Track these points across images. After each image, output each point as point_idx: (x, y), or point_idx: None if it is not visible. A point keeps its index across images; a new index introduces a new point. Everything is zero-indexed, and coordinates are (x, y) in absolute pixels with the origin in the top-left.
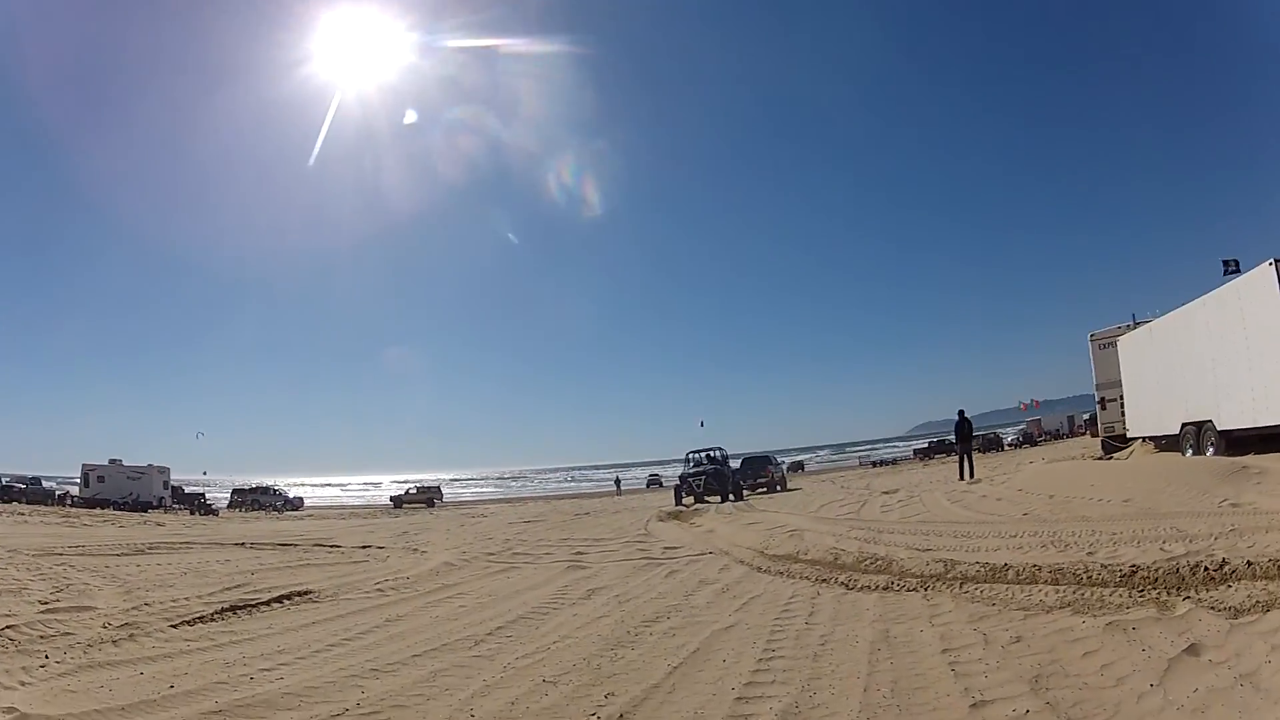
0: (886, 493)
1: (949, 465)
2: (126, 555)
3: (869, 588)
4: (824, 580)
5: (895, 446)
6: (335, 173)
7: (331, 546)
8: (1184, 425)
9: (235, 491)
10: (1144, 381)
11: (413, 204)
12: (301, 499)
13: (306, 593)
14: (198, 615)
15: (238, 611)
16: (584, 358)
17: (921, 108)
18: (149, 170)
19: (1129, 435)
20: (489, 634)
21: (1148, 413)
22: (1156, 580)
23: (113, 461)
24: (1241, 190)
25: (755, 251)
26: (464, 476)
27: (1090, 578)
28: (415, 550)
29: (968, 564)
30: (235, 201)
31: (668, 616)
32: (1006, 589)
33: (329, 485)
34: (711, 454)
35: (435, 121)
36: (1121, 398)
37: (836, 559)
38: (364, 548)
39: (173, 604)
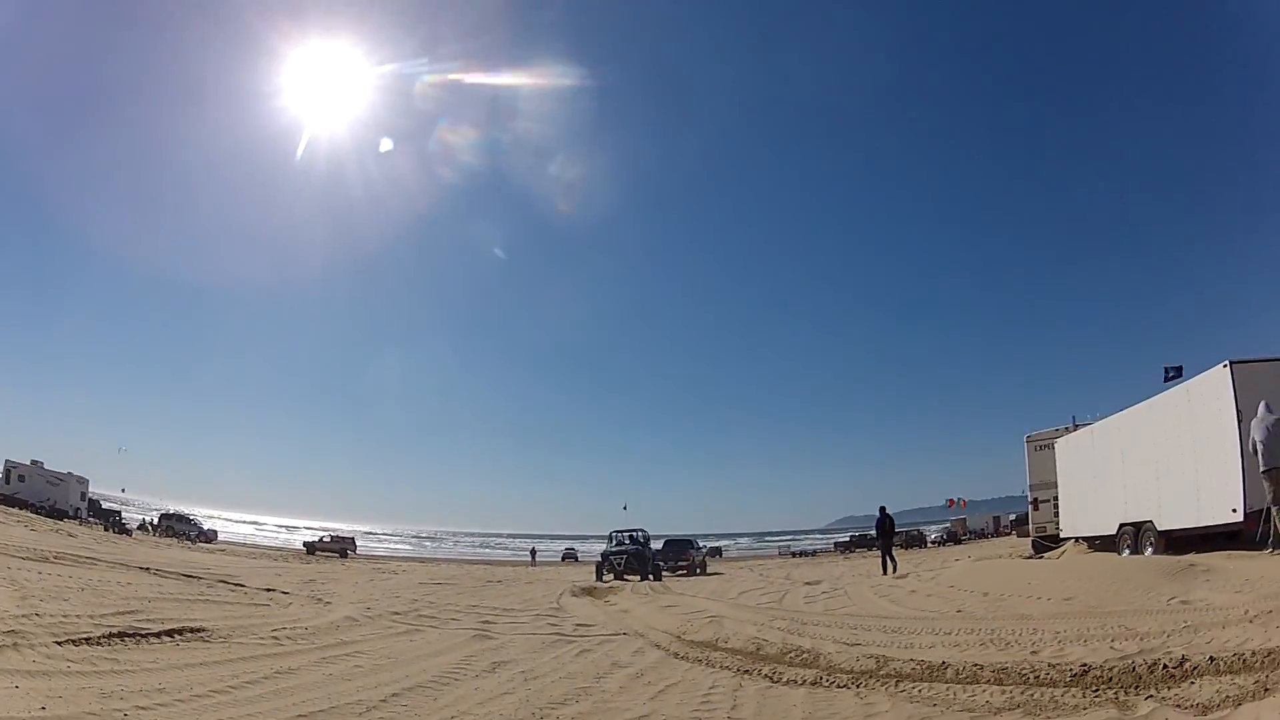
0: (809, 583)
1: (871, 559)
2: (30, 560)
3: (795, 681)
4: (746, 671)
5: (816, 538)
6: (300, 205)
7: (235, 584)
8: (1122, 525)
9: (163, 516)
10: (1080, 482)
11: (370, 237)
12: (215, 532)
13: (200, 630)
14: (85, 635)
15: (126, 639)
16: (509, 426)
17: (865, 196)
18: (113, 183)
19: (1062, 535)
20: (382, 700)
21: (1083, 513)
22: (1111, 679)
23: (34, 463)
24: (1181, 305)
25: (691, 330)
26: (380, 530)
27: (1038, 677)
28: (319, 600)
29: (901, 660)
30: (193, 221)
31: (576, 700)
32: (947, 688)
33: (245, 522)
34: (634, 535)
35: (408, 153)
36: (1055, 499)
37: (759, 649)
38: (268, 590)
39: (64, 619)
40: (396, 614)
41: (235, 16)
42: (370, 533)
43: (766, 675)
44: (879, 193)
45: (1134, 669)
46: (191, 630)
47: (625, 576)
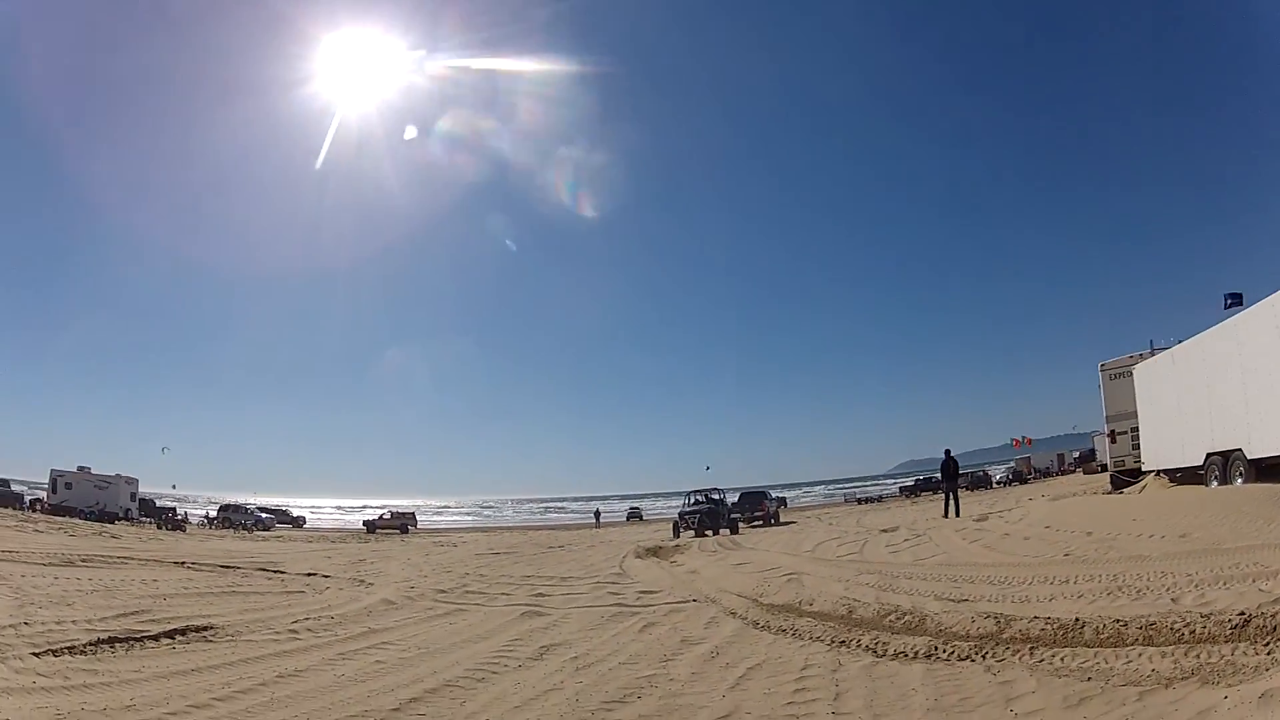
0: (886, 530)
1: (938, 503)
2: (53, 566)
3: (906, 654)
4: (842, 642)
5: (879, 484)
6: (329, 191)
7: (275, 572)
8: (1209, 455)
9: (221, 508)
10: (1163, 411)
11: (406, 224)
12: (273, 519)
13: (206, 628)
14: (70, 644)
15: (116, 645)
16: (570, 389)
17: (913, 143)
18: (145, 178)
19: (1143, 468)
20: (396, 709)
21: (1166, 444)
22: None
23: (81, 469)
24: (1237, 236)
25: (745, 287)
26: (444, 504)
27: (1194, 633)
28: (361, 582)
29: (1025, 620)
30: (223, 215)
31: (638, 695)
32: (1094, 654)
33: (308, 507)
34: (708, 493)
35: (431, 138)
36: (1134, 430)
37: (851, 612)
38: (308, 575)
39: (56, 626)
40: (441, 592)
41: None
42: (435, 506)
43: (868, 647)
44: (928, 129)
45: None
46: (196, 629)
47: (705, 533)
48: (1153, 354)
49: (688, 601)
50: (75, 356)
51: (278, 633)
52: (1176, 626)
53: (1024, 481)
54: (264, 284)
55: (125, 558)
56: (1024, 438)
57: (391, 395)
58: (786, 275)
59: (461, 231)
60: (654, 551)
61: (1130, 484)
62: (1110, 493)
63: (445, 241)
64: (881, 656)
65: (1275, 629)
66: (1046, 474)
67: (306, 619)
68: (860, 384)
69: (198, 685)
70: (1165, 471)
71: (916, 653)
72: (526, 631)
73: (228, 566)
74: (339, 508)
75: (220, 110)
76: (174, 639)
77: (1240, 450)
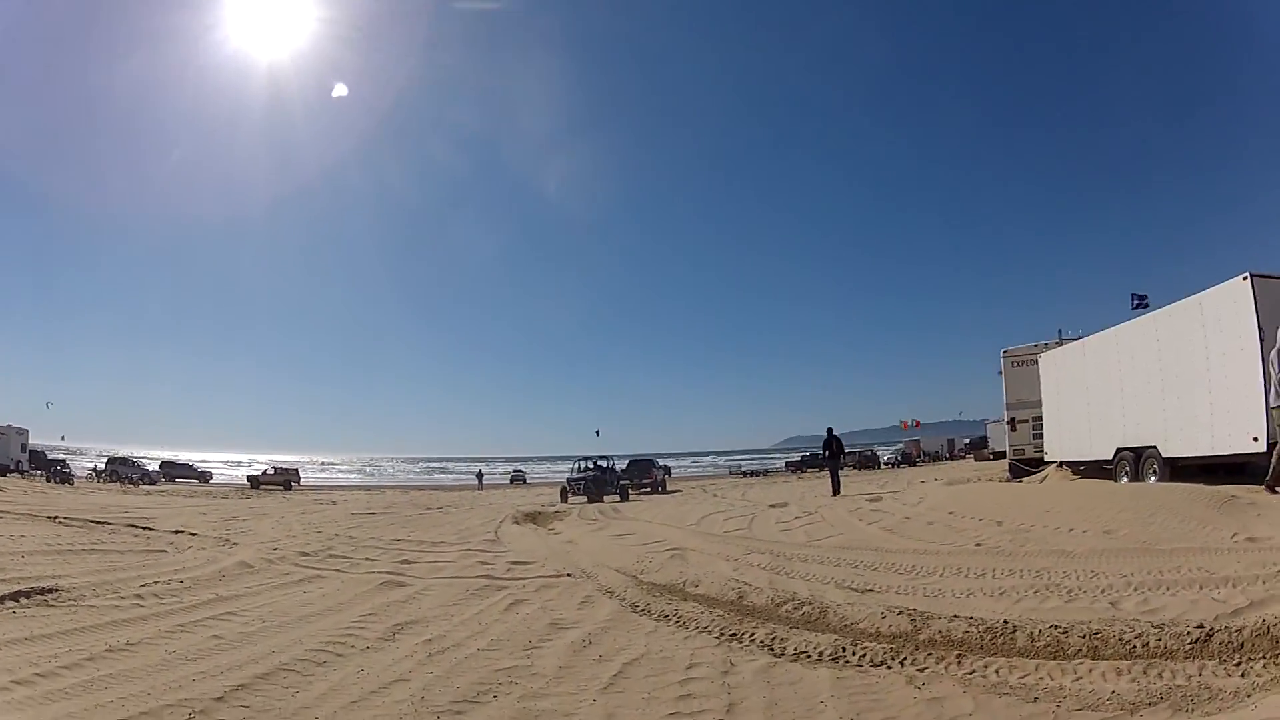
0: (775, 505)
1: (824, 480)
2: None
3: (809, 655)
4: (733, 636)
5: (764, 458)
6: (246, 135)
7: (144, 528)
8: (1120, 450)
9: (109, 461)
10: (1069, 402)
11: (310, 170)
12: (159, 474)
13: (51, 590)
14: None
15: None
16: (459, 348)
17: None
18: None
19: (1046, 459)
20: (220, 697)
21: (1072, 436)
22: (1247, 646)
23: None
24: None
25: (645, 246)
26: (330, 460)
27: (1148, 646)
28: (226, 541)
29: (944, 619)
30: (119, 159)
31: (494, 693)
32: (1035, 668)
33: (198, 461)
34: (597, 461)
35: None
36: (1035, 419)
37: (742, 597)
38: (177, 533)
39: None
40: (304, 555)
41: None
42: (320, 463)
43: (764, 643)
44: (853, 113)
45: (1269, 631)
46: (41, 591)
47: (592, 500)
48: (1060, 344)
49: (562, 576)
50: None
51: (123, 598)
52: (1126, 637)
53: (912, 464)
54: (172, 232)
55: (2, 512)
56: (913, 420)
57: (283, 350)
58: (685, 239)
59: (368, 181)
60: (532, 518)
61: (1030, 474)
62: (1009, 481)
63: (352, 191)
64: (780, 656)
65: (1243, 645)
66: (936, 458)
67: (156, 582)
68: (750, 356)
69: (15, 660)
70: (1069, 463)
71: (821, 653)
72: (382, 605)
73: (98, 522)
74: (228, 462)
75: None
76: (17, 601)
77: (1155, 448)
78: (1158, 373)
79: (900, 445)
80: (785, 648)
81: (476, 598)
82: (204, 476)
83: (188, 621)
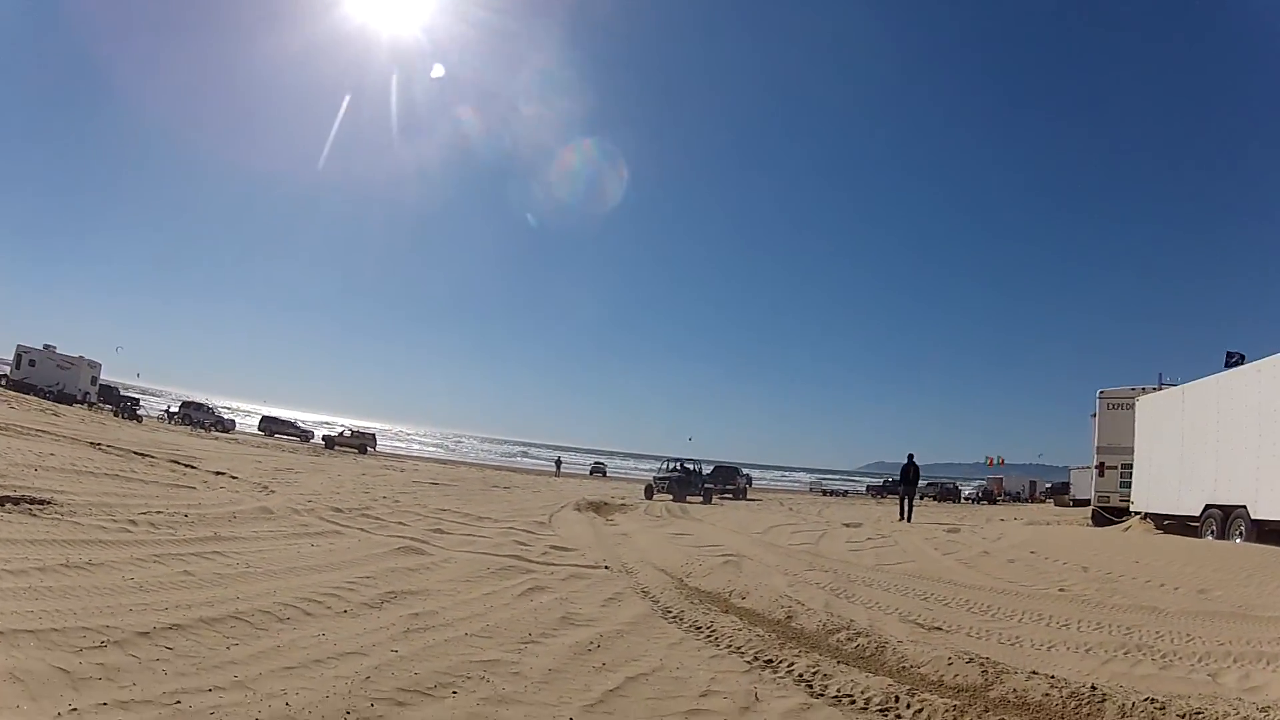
0: (849, 525)
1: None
2: None
3: (854, 700)
4: (768, 662)
5: (847, 480)
6: (344, 107)
7: (186, 465)
8: (1208, 507)
9: (184, 404)
10: (1161, 451)
11: (421, 151)
12: (234, 421)
13: (43, 502)
14: None
15: None
16: (567, 340)
17: (936, 151)
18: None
19: (1132, 508)
20: (145, 633)
21: (1161, 486)
22: None
23: (46, 347)
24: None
25: (750, 265)
26: (414, 430)
27: None
28: (264, 488)
29: (1021, 675)
30: (231, 113)
31: (457, 686)
32: None
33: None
34: (684, 463)
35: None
36: (1124, 466)
37: (790, 617)
38: (217, 474)
39: None
40: (336, 511)
41: None
42: (405, 433)
43: (801, 678)
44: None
45: None
46: (32, 501)
47: (677, 499)
48: (1160, 389)
49: (598, 567)
50: (54, 233)
51: (114, 521)
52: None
53: (993, 501)
54: (274, 197)
55: (44, 431)
56: (999, 458)
57: (388, 318)
58: (792, 258)
59: (476, 187)
60: (596, 507)
61: (1113, 522)
62: (1089, 526)
63: (457, 169)
64: (817, 697)
65: None
66: (1016, 498)
67: (159, 513)
68: (845, 376)
69: None
70: (1153, 515)
71: (869, 700)
72: (386, 570)
73: (140, 454)
74: (316, 424)
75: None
76: (1, 506)
77: (1244, 508)
78: (1256, 427)
79: (982, 481)
80: (826, 687)
81: (494, 577)
82: (306, 435)
83: (168, 554)
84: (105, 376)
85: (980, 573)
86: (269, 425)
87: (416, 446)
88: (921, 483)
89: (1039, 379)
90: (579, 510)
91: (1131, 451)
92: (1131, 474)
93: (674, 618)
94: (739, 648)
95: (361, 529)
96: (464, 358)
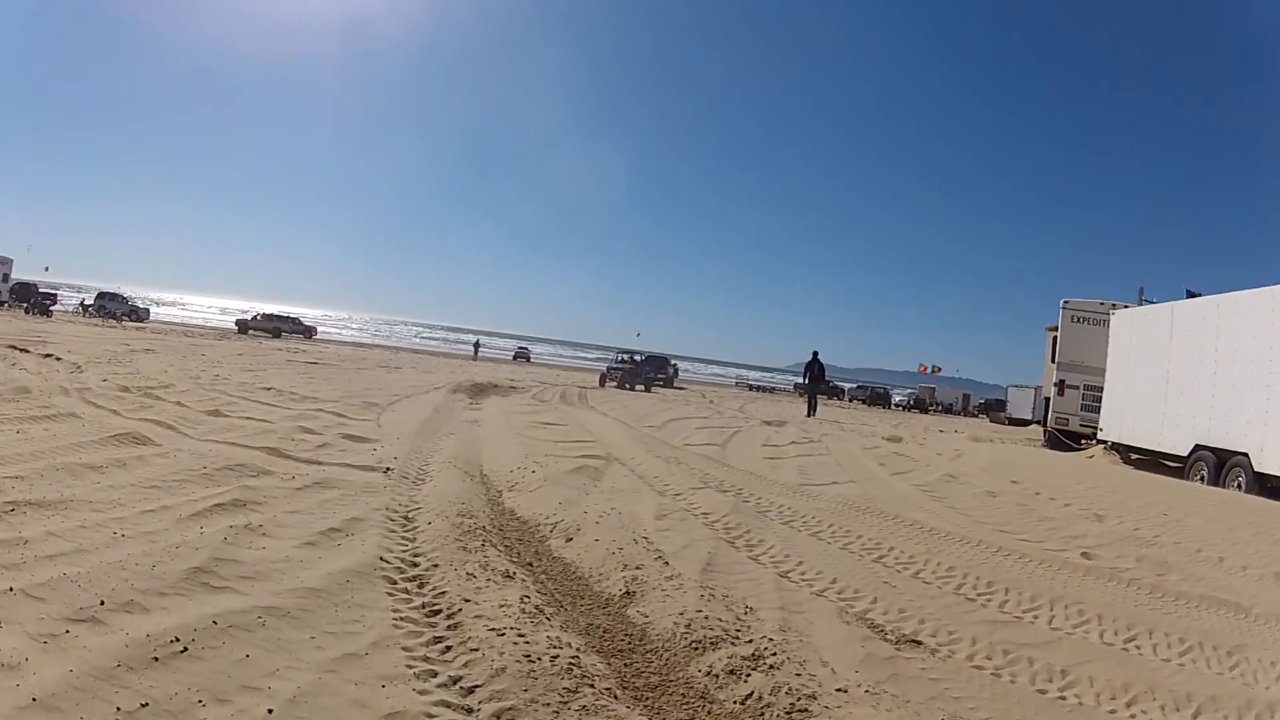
0: (769, 423)
1: (834, 407)
2: None
3: None
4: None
5: (778, 375)
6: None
7: (21, 350)
8: (1199, 448)
9: (98, 296)
10: (1142, 376)
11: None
12: (148, 310)
13: None
14: None
15: None
16: (517, 228)
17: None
18: None
19: (1099, 436)
20: None
21: (1137, 417)
22: None
23: None
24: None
25: (701, 167)
26: (351, 317)
27: None
28: (78, 367)
29: None
30: None
31: None
32: None
33: (209, 308)
34: (632, 355)
35: None
36: (1088, 387)
37: (631, 595)
38: (46, 356)
39: None
40: (123, 390)
41: None
42: (348, 319)
43: None
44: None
45: None
46: None
47: (623, 386)
48: (1141, 305)
49: (377, 469)
50: None
51: None
52: None
53: (924, 410)
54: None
55: None
56: (934, 367)
57: (330, 200)
58: (745, 160)
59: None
60: (480, 390)
61: (1071, 448)
62: (1044, 449)
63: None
64: None
65: None
66: (949, 409)
67: None
68: (781, 279)
69: None
70: (1122, 446)
71: None
72: (72, 465)
73: None
74: (244, 310)
75: None
76: None
77: (1246, 456)
78: (1267, 362)
79: (913, 390)
80: None
81: (198, 483)
82: (309, 331)
83: None
84: (20, 275)
85: (956, 511)
86: (275, 324)
87: (346, 334)
88: (850, 385)
89: (971, 300)
90: (452, 393)
91: (1095, 371)
92: (1096, 396)
93: (414, 579)
94: (495, 694)
95: (113, 410)
96: (420, 247)
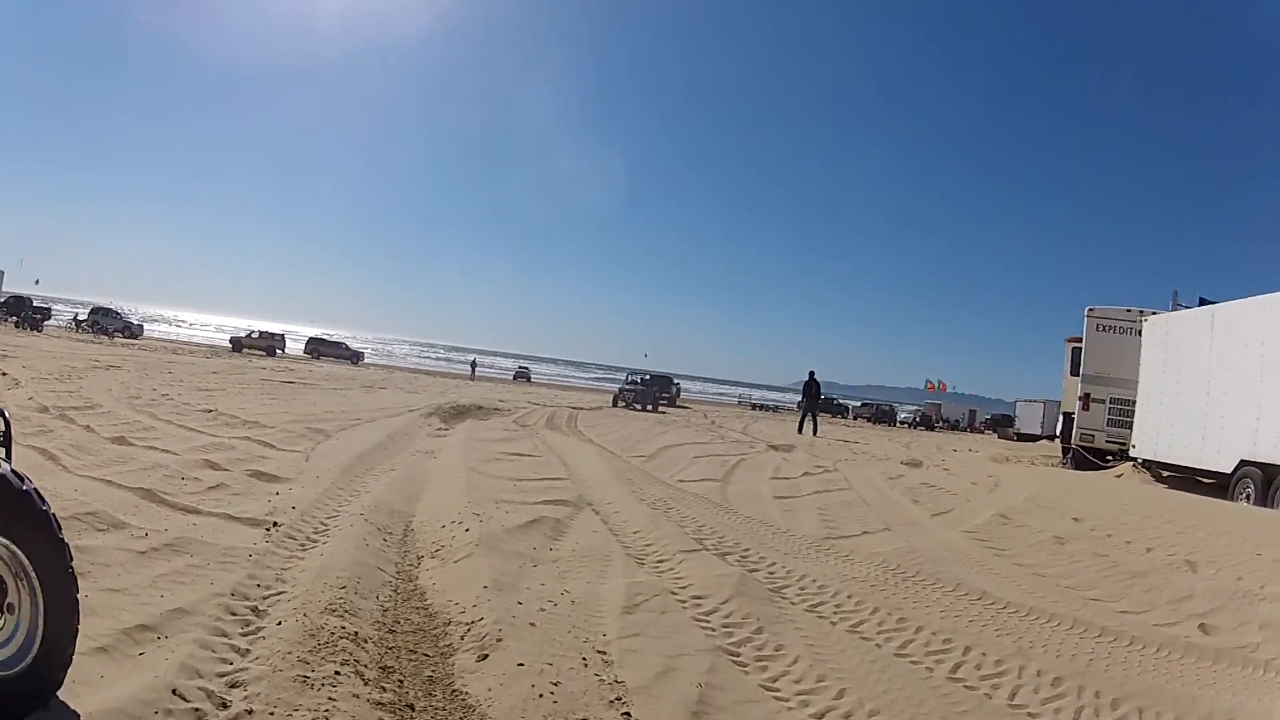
0: (777, 448)
1: (839, 425)
2: None
3: None
4: None
5: (780, 394)
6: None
7: None
8: (1245, 464)
9: (92, 311)
10: (1180, 388)
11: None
12: (142, 327)
13: None
14: None
15: None
16: (525, 247)
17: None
18: None
19: (1131, 453)
20: None
21: (1175, 432)
22: None
23: None
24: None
25: (709, 189)
26: (374, 337)
27: None
28: (16, 382)
29: None
30: None
31: None
32: None
33: (208, 326)
34: (644, 377)
35: None
36: (1114, 401)
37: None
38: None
39: None
40: (41, 410)
41: None
42: (337, 335)
43: None
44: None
45: None
46: None
47: (634, 406)
48: (1175, 310)
49: (260, 524)
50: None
51: None
52: None
53: (930, 428)
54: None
55: None
56: (940, 382)
57: (331, 217)
58: (747, 179)
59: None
60: (456, 413)
61: (1097, 466)
62: (1065, 469)
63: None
64: None
65: None
66: (955, 426)
67: None
68: (777, 293)
69: None
70: (1154, 464)
71: None
72: None
73: None
74: (250, 329)
75: None
76: None
77: None
78: None
79: (918, 406)
80: None
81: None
82: (356, 357)
83: None
84: (11, 288)
85: (1027, 570)
86: (316, 347)
87: (401, 358)
88: (855, 403)
89: (974, 314)
90: (426, 416)
91: (1123, 383)
92: (1123, 410)
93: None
94: None
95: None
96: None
